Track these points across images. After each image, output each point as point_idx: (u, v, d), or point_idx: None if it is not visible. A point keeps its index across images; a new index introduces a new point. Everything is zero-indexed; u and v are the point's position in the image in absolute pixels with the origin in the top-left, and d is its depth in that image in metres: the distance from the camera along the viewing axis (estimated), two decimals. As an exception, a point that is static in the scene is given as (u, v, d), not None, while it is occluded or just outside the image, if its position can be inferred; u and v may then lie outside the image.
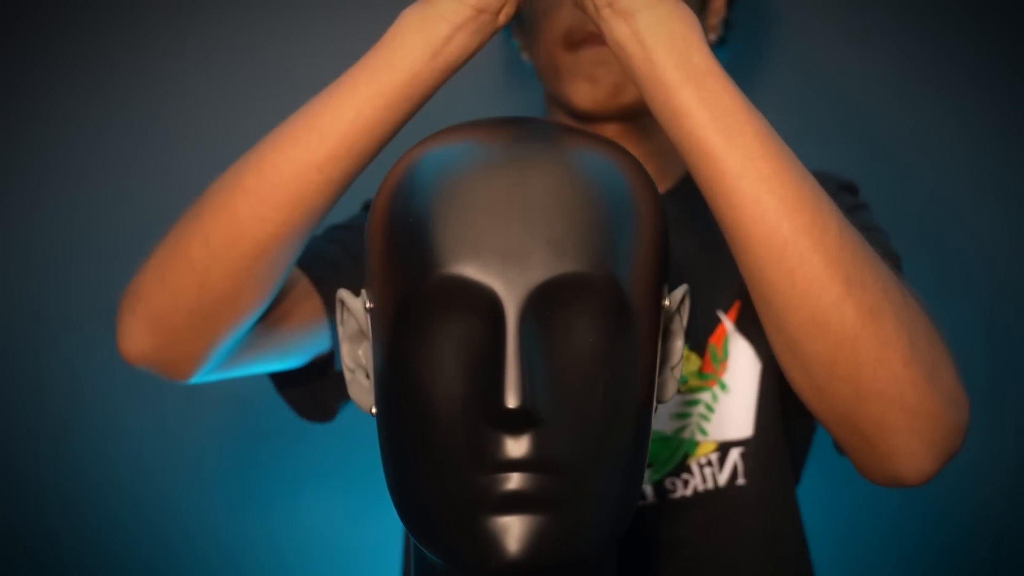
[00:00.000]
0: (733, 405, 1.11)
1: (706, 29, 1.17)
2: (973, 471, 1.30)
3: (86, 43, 1.47)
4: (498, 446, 0.73)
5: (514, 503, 0.73)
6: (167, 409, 1.49)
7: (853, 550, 1.45)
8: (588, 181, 0.76)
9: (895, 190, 1.45)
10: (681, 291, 0.83)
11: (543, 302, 0.73)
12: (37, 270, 1.48)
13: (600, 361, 0.75)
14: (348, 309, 0.84)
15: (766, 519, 1.11)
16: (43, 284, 1.47)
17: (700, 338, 1.11)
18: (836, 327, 0.80)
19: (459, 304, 0.74)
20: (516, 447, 0.73)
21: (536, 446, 0.73)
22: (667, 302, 0.80)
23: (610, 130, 1.14)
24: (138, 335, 0.95)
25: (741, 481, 1.10)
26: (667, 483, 1.10)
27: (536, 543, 0.73)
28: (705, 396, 1.11)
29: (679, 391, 1.00)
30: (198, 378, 0.98)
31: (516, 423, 0.72)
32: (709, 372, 1.11)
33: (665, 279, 0.80)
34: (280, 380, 1.12)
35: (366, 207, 1.20)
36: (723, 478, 1.10)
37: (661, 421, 1.10)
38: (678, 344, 0.84)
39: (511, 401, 0.71)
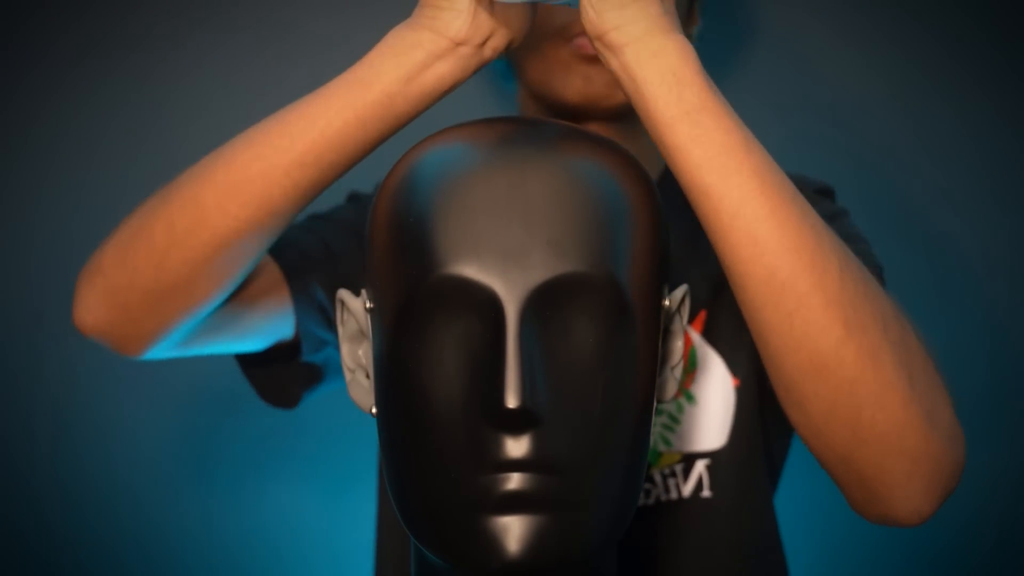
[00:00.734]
0: (702, 417, 1.10)
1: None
2: (970, 477, 1.31)
3: (86, 43, 1.46)
4: (498, 446, 0.73)
5: (514, 503, 0.73)
6: (167, 409, 1.49)
7: (843, 558, 1.45)
8: (588, 181, 0.76)
9: (891, 190, 1.45)
10: (681, 291, 0.83)
11: (543, 302, 0.73)
12: (37, 270, 1.47)
13: (600, 361, 0.75)
14: (348, 309, 0.84)
15: (733, 529, 1.10)
16: (43, 284, 1.47)
17: None
18: (835, 371, 0.78)
19: (459, 304, 0.74)
20: (516, 447, 0.73)
21: (536, 446, 0.73)
22: (667, 302, 0.80)
23: (593, 128, 1.10)
24: (94, 308, 0.96)
25: (706, 493, 1.09)
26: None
27: (536, 543, 0.73)
28: (669, 407, 1.10)
29: None
30: (152, 355, 0.98)
31: (516, 423, 0.72)
32: None
33: (665, 279, 0.80)
34: (245, 361, 1.11)
35: (351, 198, 1.19)
36: (687, 489, 1.10)
37: None
38: (678, 344, 0.84)
39: (511, 401, 0.71)
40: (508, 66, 1.18)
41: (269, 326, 1.05)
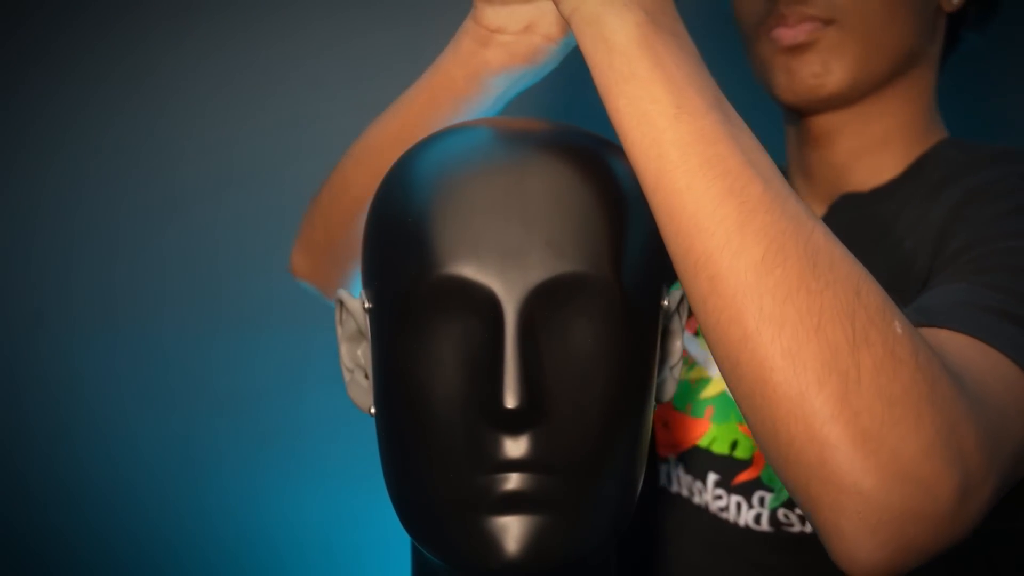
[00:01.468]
0: None
1: None
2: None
3: (86, 43, 1.47)
4: (497, 446, 0.73)
5: (513, 503, 0.73)
6: (167, 409, 1.49)
7: None
8: (587, 181, 0.76)
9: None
10: (680, 291, 0.83)
11: (542, 302, 0.73)
12: (37, 270, 1.48)
13: (599, 361, 0.75)
14: (347, 309, 0.84)
15: None
16: (43, 284, 1.47)
17: None
18: (745, 368, 0.66)
19: (458, 304, 0.74)
20: (515, 447, 0.73)
21: (535, 446, 0.73)
22: (666, 302, 0.80)
23: (823, 123, 1.05)
24: (297, 257, 1.14)
25: None
26: (780, 515, 1.00)
27: (535, 543, 0.73)
28: None
29: None
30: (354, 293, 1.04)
31: (515, 423, 0.72)
32: None
33: (664, 279, 0.80)
34: None
35: None
36: None
37: None
38: (677, 344, 0.84)
39: (510, 401, 0.71)
40: None
41: None
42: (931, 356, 0.66)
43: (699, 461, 1.04)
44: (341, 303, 0.84)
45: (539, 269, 0.73)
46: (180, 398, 1.47)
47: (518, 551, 0.73)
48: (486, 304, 0.73)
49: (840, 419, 0.63)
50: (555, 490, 0.73)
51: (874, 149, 1.05)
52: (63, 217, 1.47)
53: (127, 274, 1.48)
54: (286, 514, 1.50)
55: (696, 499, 1.04)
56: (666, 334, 0.83)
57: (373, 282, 0.79)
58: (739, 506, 1.02)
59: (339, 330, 0.84)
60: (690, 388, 1.07)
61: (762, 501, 1.00)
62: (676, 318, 0.83)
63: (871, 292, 0.66)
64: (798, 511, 0.98)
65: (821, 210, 1.07)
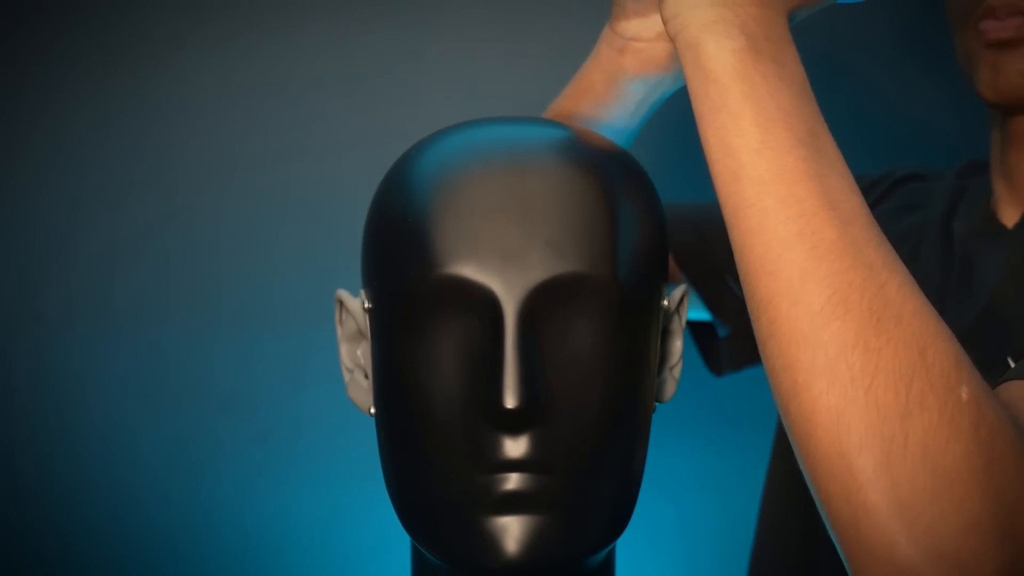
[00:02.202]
0: None
1: None
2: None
3: (86, 43, 1.47)
4: (497, 446, 0.73)
5: (513, 503, 0.73)
6: (167, 409, 1.49)
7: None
8: (587, 181, 0.76)
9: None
10: (680, 291, 0.83)
11: (542, 302, 0.73)
12: (37, 270, 1.48)
13: (599, 361, 0.75)
14: (347, 309, 0.84)
15: None
16: (43, 284, 1.47)
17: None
18: (793, 423, 0.64)
19: (458, 304, 0.74)
20: (515, 447, 0.73)
21: (535, 446, 0.73)
22: (666, 302, 0.80)
23: None
24: None
25: None
26: None
27: (535, 544, 0.73)
28: None
29: None
30: None
31: (515, 423, 0.72)
32: None
33: (664, 279, 0.80)
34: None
35: None
36: None
37: None
38: (677, 344, 0.84)
39: (510, 401, 0.71)
40: None
41: None
42: (999, 428, 0.61)
43: None
44: (341, 303, 0.84)
45: (539, 269, 0.73)
46: (180, 398, 1.47)
47: (517, 551, 0.73)
48: (486, 304, 0.73)
49: (877, 486, 0.60)
50: (555, 490, 0.73)
51: None
52: (63, 217, 1.47)
53: (127, 274, 1.48)
54: (286, 514, 1.50)
55: None
56: (666, 334, 0.83)
57: (373, 282, 0.79)
58: None
59: (339, 330, 0.84)
60: None
61: None
62: (676, 318, 0.83)
63: (941, 352, 0.62)
64: None
65: (1017, 215, 1.02)
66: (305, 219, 1.46)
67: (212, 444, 1.51)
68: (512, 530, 0.73)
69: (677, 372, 0.84)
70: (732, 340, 1.22)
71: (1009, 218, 1.03)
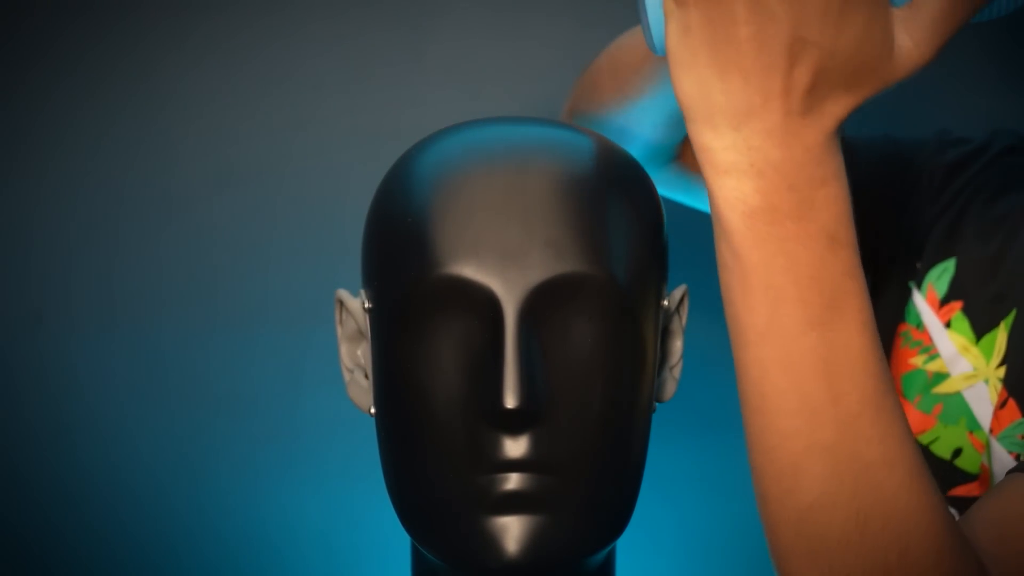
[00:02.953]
0: None
1: None
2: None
3: (86, 43, 1.47)
4: (497, 446, 0.73)
5: (513, 503, 0.73)
6: (167, 409, 1.49)
7: None
8: (587, 181, 0.76)
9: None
10: (680, 291, 0.83)
11: (542, 302, 0.73)
12: (37, 270, 1.48)
13: (599, 361, 0.75)
14: (347, 309, 0.84)
15: None
16: (43, 284, 1.47)
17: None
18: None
19: (458, 304, 0.74)
20: (515, 447, 0.73)
21: (535, 446, 0.73)
22: (666, 302, 0.80)
23: None
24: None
25: None
26: None
27: (535, 544, 0.73)
28: None
29: None
30: None
31: (515, 423, 0.72)
32: None
33: (664, 279, 0.80)
34: None
35: None
36: None
37: None
38: (677, 344, 0.84)
39: (510, 401, 0.71)
40: None
41: None
42: None
43: None
44: (341, 303, 0.84)
45: (539, 269, 0.73)
46: (180, 398, 1.47)
47: (518, 551, 0.73)
48: (486, 304, 0.73)
49: None
50: (555, 490, 0.74)
51: None
52: (63, 217, 1.47)
53: (127, 274, 1.47)
54: (286, 514, 1.50)
55: None
56: (666, 334, 0.83)
57: (373, 282, 0.79)
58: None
59: (339, 330, 0.84)
60: (925, 380, 1.01)
61: None
62: (676, 318, 0.83)
63: (923, 554, 0.63)
64: None
65: None
66: (305, 219, 1.46)
67: (212, 444, 1.50)
68: (512, 530, 0.73)
69: (677, 372, 0.84)
70: None
71: None
